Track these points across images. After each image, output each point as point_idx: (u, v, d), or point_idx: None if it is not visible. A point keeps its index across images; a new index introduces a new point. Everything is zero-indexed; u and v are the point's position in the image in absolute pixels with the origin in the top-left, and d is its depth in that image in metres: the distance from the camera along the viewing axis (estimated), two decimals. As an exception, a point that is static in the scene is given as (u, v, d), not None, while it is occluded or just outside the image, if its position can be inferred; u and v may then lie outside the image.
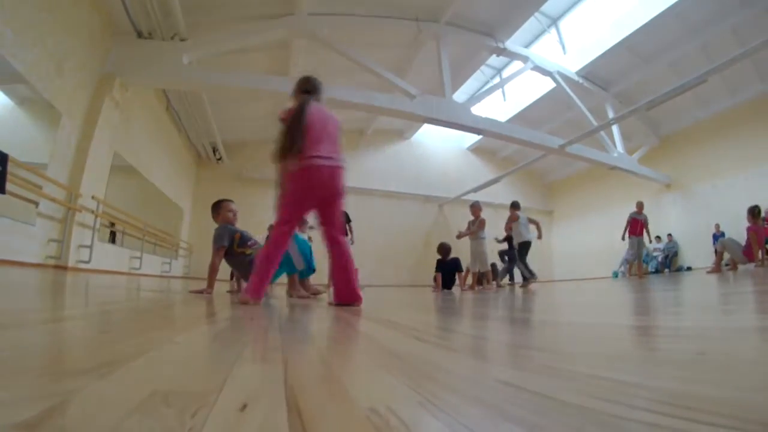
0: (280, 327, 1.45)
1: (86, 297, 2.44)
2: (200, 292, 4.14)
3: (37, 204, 6.81)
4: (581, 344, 1.20)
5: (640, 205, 11.37)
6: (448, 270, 9.29)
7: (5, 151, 5.70)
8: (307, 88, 3.37)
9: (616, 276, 15.96)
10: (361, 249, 15.60)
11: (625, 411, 0.51)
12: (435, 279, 9.55)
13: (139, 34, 8.80)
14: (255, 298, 2.84)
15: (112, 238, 9.75)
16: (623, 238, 11.31)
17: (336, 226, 3.15)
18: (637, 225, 11.08)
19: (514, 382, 0.68)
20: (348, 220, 10.01)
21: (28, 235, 6.70)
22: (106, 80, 8.36)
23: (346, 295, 3.05)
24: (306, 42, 10.30)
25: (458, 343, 1.25)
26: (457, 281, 9.58)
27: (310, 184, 3.04)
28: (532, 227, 9.99)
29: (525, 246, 9.69)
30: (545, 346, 1.21)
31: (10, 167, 5.77)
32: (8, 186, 5.76)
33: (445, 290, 8.93)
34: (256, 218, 13.86)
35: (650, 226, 11.46)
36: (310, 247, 4.68)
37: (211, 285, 4.22)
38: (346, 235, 3.26)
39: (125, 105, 9.02)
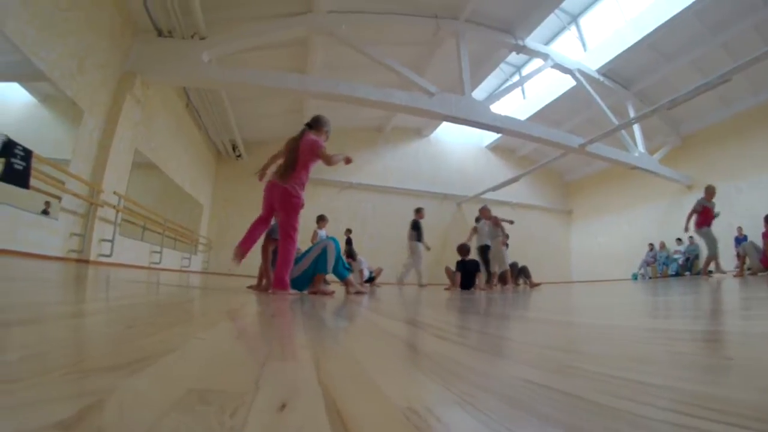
0: (304, 324, 1.45)
1: (109, 291, 2.47)
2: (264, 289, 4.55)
3: (59, 199, 6.94)
4: (605, 346, 1.20)
5: (711, 191, 9.76)
6: (467, 270, 9.28)
7: (29, 147, 5.81)
8: (309, 122, 4.47)
9: (636, 278, 15.76)
10: (378, 247, 15.75)
11: (655, 412, 0.52)
12: (446, 272, 9.77)
13: (160, 33, 8.92)
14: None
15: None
16: (686, 229, 9.95)
17: (282, 227, 4.09)
18: (709, 214, 9.59)
19: (543, 382, 0.69)
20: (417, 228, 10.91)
21: (51, 229, 6.83)
22: (127, 78, 8.49)
23: (275, 282, 3.95)
24: (324, 39, 10.33)
25: (481, 342, 1.26)
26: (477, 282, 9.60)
27: (265, 195, 4.31)
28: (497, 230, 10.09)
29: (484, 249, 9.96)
30: (568, 347, 1.21)
31: (33, 163, 5.89)
32: (32, 181, 5.89)
33: (464, 290, 8.92)
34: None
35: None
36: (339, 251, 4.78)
37: (268, 278, 4.61)
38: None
39: (146, 102, 9.16)
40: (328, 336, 1.23)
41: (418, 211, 11.33)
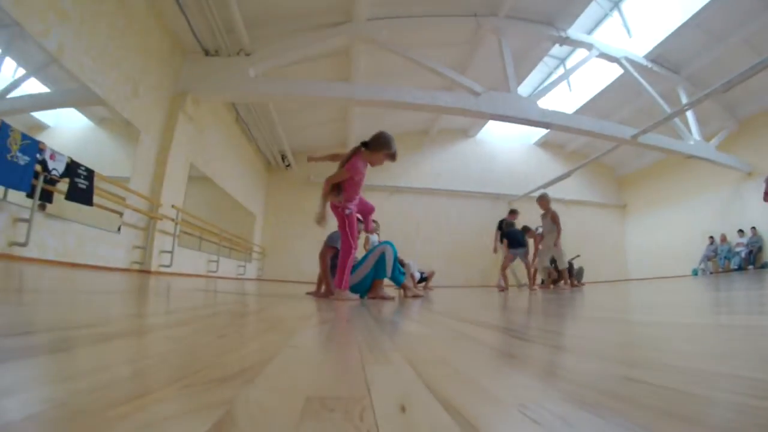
0: (380, 329, 1.48)
1: (182, 301, 2.57)
2: (323, 295, 4.63)
3: (121, 214, 7.30)
4: (687, 343, 1.20)
5: None
6: (513, 236, 9.90)
7: (90, 167, 6.16)
8: (367, 140, 4.17)
9: (696, 274, 14.99)
10: (430, 251, 15.70)
11: (756, 401, 0.54)
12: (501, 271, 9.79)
13: (207, 52, 9.28)
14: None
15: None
16: None
17: (341, 237, 4.16)
18: None
19: (639, 377, 0.70)
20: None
21: (115, 242, 7.20)
22: (179, 97, 8.88)
23: (335, 282, 4.05)
24: (366, 47, 10.42)
25: (561, 341, 1.28)
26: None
27: None
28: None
29: None
30: (652, 344, 1.21)
31: (95, 181, 6.24)
32: (95, 199, 6.25)
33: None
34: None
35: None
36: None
37: (327, 284, 4.68)
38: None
39: (198, 119, 9.53)
40: (409, 339, 1.26)
41: (511, 212, 10.94)
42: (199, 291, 4.13)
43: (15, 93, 6.04)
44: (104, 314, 1.56)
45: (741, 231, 13.81)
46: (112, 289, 3.27)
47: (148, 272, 7.90)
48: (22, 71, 6.10)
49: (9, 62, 5.88)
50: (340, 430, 0.43)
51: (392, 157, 4.19)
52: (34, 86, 6.45)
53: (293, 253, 15.21)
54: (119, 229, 7.30)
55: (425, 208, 17.20)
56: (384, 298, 4.25)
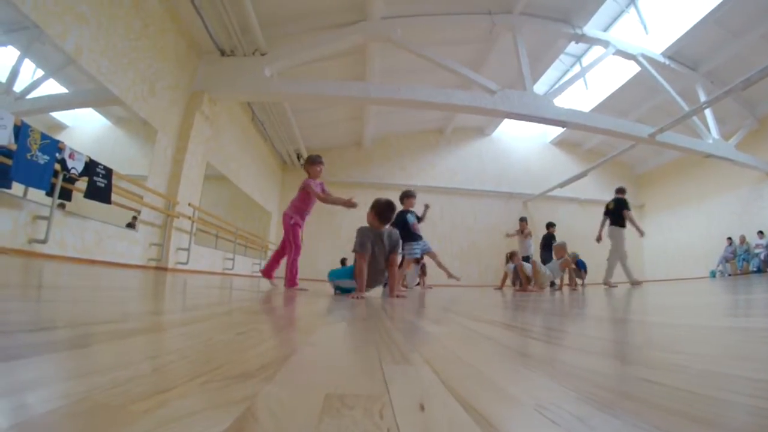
0: (397, 328, 1.48)
1: (200, 298, 2.59)
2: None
3: (139, 212, 7.41)
4: (705, 345, 1.19)
5: None
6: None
7: (108, 166, 6.25)
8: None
9: (714, 276, 14.72)
10: (442, 249, 15.66)
11: None
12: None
13: (223, 53, 9.36)
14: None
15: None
16: None
17: None
18: None
19: (656, 379, 0.69)
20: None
21: (132, 239, 7.31)
22: (195, 97, 8.98)
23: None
24: (381, 45, 10.43)
25: (578, 343, 1.26)
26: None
27: None
28: None
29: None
30: (670, 347, 1.18)
31: (113, 180, 6.34)
32: (113, 197, 6.34)
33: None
34: (339, 220, 14.32)
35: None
36: None
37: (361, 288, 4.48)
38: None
39: (214, 119, 9.64)
40: (426, 338, 1.27)
41: (621, 191, 10.77)
42: (215, 288, 4.16)
43: (34, 94, 6.14)
44: (123, 311, 1.57)
45: (761, 232, 13.51)
46: (130, 286, 3.31)
47: (165, 269, 8.01)
48: (40, 72, 6.20)
49: (28, 64, 5.98)
50: (360, 428, 0.43)
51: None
52: (52, 87, 6.56)
53: (308, 251, 15.04)
54: (132, 225, 7.42)
55: (441, 207, 17.10)
56: (398, 296, 4.27)
